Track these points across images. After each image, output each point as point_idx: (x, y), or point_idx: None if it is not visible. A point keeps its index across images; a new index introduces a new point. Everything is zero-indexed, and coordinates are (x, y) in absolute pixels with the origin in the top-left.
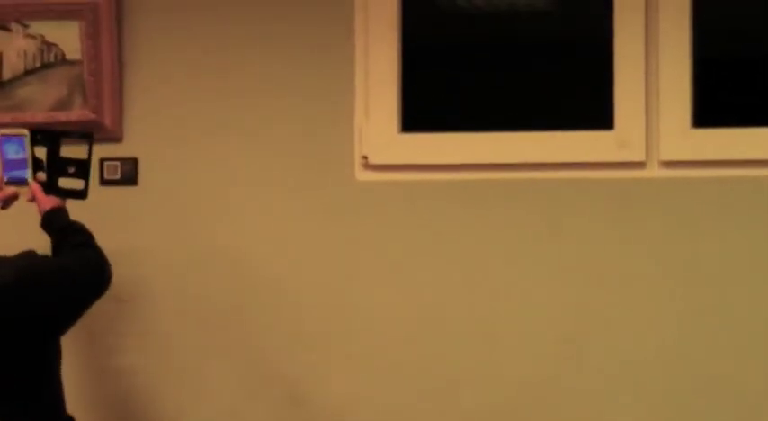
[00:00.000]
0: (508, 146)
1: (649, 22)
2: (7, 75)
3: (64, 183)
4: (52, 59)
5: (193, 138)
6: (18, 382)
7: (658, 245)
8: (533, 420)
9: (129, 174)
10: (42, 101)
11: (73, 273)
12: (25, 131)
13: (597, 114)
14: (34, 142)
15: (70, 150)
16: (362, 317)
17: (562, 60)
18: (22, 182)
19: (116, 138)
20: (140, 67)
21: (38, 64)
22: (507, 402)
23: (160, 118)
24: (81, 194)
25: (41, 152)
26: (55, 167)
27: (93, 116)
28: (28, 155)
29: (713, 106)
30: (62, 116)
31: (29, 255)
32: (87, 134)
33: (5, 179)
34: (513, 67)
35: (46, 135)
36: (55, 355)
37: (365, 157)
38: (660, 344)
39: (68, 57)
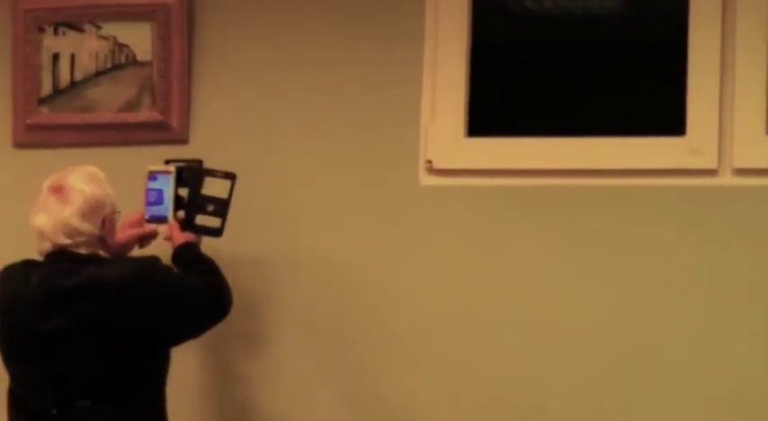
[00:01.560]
0: (576, 152)
1: (726, 27)
2: (79, 75)
3: (201, 220)
4: (123, 60)
5: (258, 141)
6: (119, 383)
7: (730, 253)
8: None
9: None
10: (111, 102)
11: (188, 289)
12: (171, 169)
13: (669, 120)
14: (179, 180)
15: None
16: (423, 321)
17: (634, 64)
18: (162, 220)
19: (182, 140)
20: (209, 69)
21: (109, 65)
22: (566, 407)
23: (226, 120)
24: (216, 232)
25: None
26: (194, 205)
27: (160, 117)
28: (171, 192)
29: None
30: (130, 117)
31: (150, 260)
32: (231, 174)
33: (146, 217)
34: (583, 70)
35: (191, 173)
36: (161, 362)
37: (430, 162)
38: (732, 353)
39: (139, 58)
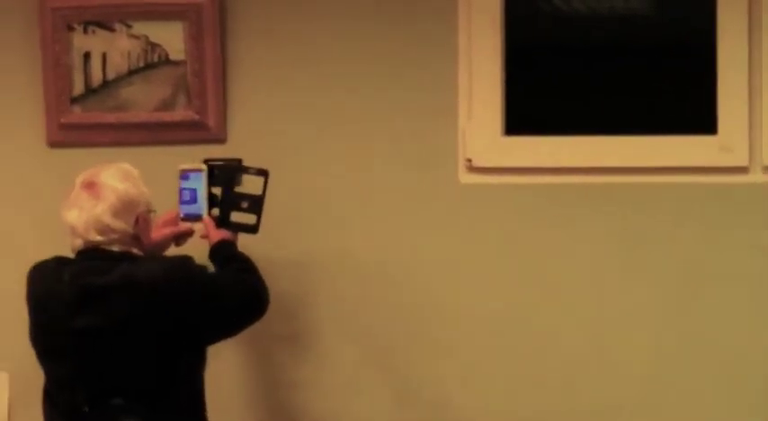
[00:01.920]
0: (611, 149)
1: (753, 26)
2: (111, 75)
3: (236, 217)
4: (156, 60)
5: (297, 139)
6: (152, 381)
7: (761, 250)
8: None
9: None
10: (146, 101)
11: (223, 287)
12: (203, 167)
13: (700, 118)
14: (211, 178)
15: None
16: (465, 319)
17: (665, 64)
18: (197, 218)
19: (220, 140)
20: (244, 67)
21: (141, 64)
22: (611, 402)
23: (264, 119)
24: (252, 229)
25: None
26: (229, 202)
27: (196, 117)
28: (204, 190)
29: None
30: (166, 116)
31: (183, 259)
32: (263, 171)
33: (181, 215)
34: (616, 70)
35: (223, 170)
36: (196, 361)
37: (469, 160)
38: (762, 347)
39: (172, 57)
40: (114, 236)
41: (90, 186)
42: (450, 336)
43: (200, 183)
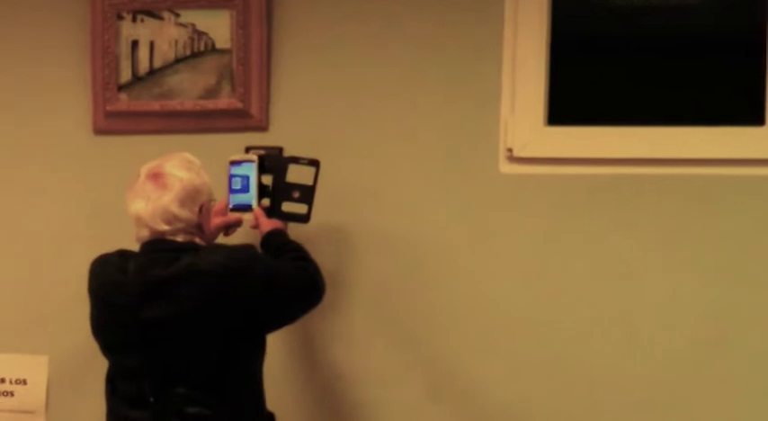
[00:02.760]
0: (656, 141)
1: None
2: (158, 63)
3: (287, 207)
4: (202, 48)
5: (338, 128)
6: (216, 370)
7: None
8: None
9: None
10: (191, 89)
11: (284, 276)
12: (254, 157)
13: (748, 110)
14: (261, 168)
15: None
16: (503, 310)
17: (713, 54)
18: (247, 208)
19: (262, 128)
20: (288, 56)
21: (188, 52)
22: (646, 400)
23: (306, 107)
24: (304, 218)
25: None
26: (280, 192)
27: (240, 105)
28: (254, 181)
29: None
30: (210, 104)
31: (246, 248)
32: (315, 161)
33: (230, 206)
34: (662, 60)
35: (274, 161)
36: (258, 349)
37: (510, 150)
38: None
39: (218, 46)
40: (180, 225)
41: (156, 177)
42: (485, 327)
43: (251, 172)
